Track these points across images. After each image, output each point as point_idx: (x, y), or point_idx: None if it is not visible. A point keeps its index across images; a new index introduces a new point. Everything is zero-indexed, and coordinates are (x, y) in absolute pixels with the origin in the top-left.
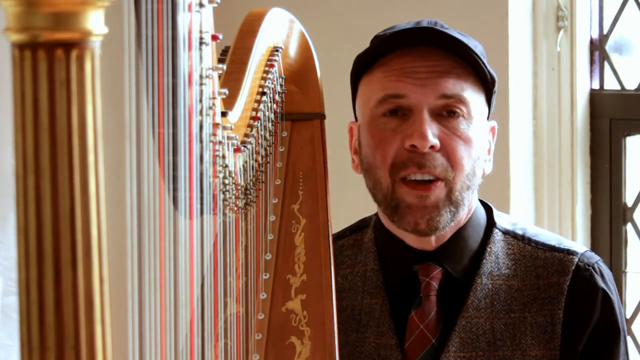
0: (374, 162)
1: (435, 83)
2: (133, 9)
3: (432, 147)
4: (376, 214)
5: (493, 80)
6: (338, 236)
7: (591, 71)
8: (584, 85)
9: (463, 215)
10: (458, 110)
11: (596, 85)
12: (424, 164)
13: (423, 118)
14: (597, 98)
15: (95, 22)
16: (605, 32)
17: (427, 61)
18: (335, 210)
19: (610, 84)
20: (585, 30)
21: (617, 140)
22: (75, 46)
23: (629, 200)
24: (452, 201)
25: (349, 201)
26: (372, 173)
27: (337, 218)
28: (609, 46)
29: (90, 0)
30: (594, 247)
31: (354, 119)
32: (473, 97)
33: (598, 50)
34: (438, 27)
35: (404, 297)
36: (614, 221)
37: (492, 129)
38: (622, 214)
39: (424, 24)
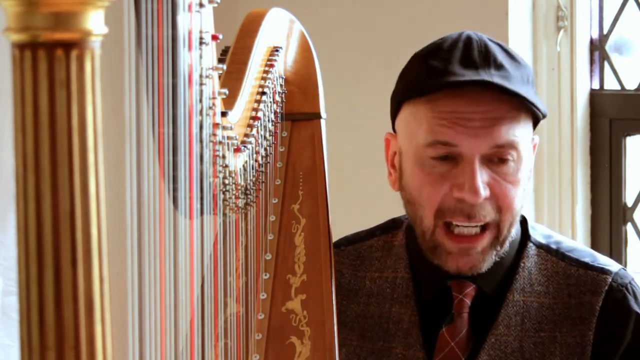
0: (419, 201)
1: (489, 132)
2: (133, 9)
3: None
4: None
5: (544, 116)
6: (367, 235)
7: (591, 71)
8: (584, 85)
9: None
10: (509, 157)
11: (596, 85)
12: (474, 215)
13: (474, 169)
14: (597, 98)
15: (95, 22)
16: (605, 32)
17: (480, 106)
18: (335, 210)
19: (610, 84)
20: (585, 30)
21: (617, 140)
22: (75, 46)
23: (629, 200)
24: (498, 242)
25: (349, 201)
26: (414, 208)
27: (337, 218)
28: (609, 46)
29: (90, 0)
30: (594, 247)
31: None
32: (523, 134)
33: (598, 50)
34: (492, 70)
35: (433, 309)
36: (614, 221)
37: (534, 146)
38: (622, 214)
39: (475, 48)
